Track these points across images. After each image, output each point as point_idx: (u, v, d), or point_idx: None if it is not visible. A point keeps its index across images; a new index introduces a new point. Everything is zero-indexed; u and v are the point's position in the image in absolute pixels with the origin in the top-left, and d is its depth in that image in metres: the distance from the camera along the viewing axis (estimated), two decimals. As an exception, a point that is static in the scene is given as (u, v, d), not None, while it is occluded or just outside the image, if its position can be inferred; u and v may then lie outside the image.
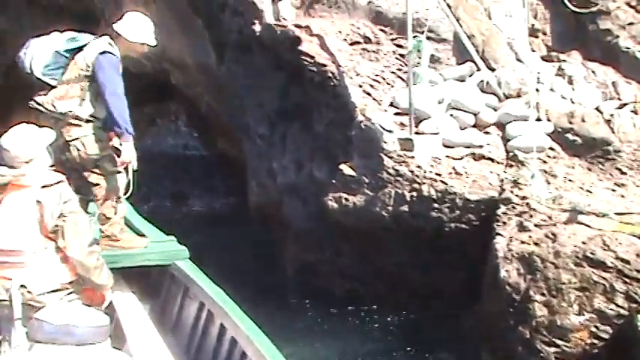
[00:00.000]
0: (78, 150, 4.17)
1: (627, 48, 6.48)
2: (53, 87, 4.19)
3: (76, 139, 4.16)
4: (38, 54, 4.19)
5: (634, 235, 3.85)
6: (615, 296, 3.68)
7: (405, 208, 5.01)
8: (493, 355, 4.10)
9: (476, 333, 4.47)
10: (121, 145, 4.18)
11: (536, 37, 7.03)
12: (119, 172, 4.23)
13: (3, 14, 12.92)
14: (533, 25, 6.93)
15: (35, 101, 4.19)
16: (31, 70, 4.18)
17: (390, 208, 5.06)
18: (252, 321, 3.40)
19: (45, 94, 4.21)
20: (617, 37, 6.58)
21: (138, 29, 4.29)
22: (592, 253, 3.81)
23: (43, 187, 3.04)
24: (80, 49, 4.20)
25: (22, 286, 2.95)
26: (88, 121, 4.19)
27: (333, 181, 5.36)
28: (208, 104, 9.77)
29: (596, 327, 3.69)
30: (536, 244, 4.04)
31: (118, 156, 4.19)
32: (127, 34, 4.23)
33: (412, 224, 5.01)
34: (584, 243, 3.89)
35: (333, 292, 5.73)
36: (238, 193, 8.68)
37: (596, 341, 3.69)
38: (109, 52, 4.16)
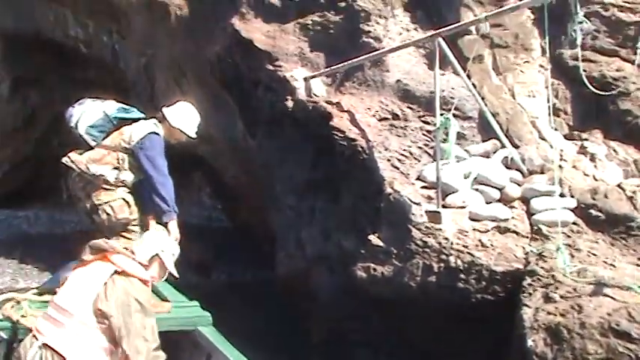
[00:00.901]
0: (108, 214, 4.38)
1: (647, 127, 6.88)
2: (90, 148, 4.45)
3: (106, 202, 4.38)
4: (88, 112, 4.50)
5: (657, 307, 4.11)
6: (641, 367, 3.91)
7: (433, 278, 5.30)
8: None
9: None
10: (166, 224, 4.38)
11: (558, 116, 7.49)
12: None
13: (35, 88, 13.85)
14: (554, 104, 7.38)
15: (70, 158, 4.47)
16: (76, 125, 4.48)
17: (417, 278, 5.35)
18: None
19: (80, 154, 4.47)
20: (638, 117, 6.99)
21: (184, 118, 4.64)
22: (617, 324, 4.04)
23: (121, 272, 3.32)
24: (129, 121, 4.54)
25: (45, 345, 3.18)
26: (117, 186, 4.43)
27: (362, 251, 5.69)
28: (234, 177, 10.27)
29: (622, 397, 3.91)
30: (562, 315, 4.29)
31: None
32: (172, 119, 4.59)
33: (439, 295, 5.27)
34: (609, 314, 4.14)
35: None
36: (262, 266, 9.01)
37: (622, 412, 3.89)
38: (157, 134, 4.49)
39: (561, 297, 4.46)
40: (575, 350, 4.07)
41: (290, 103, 6.65)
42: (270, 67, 6.79)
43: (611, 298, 4.32)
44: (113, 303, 3.23)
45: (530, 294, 4.64)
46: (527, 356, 4.28)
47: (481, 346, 5.10)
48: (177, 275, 3.77)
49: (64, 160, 4.49)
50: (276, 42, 6.78)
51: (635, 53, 7.64)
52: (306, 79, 6.61)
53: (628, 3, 7.78)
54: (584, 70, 7.38)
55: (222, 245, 10.95)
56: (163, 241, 3.69)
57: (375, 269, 5.56)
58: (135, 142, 4.44)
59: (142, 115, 4.60)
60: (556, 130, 6.93)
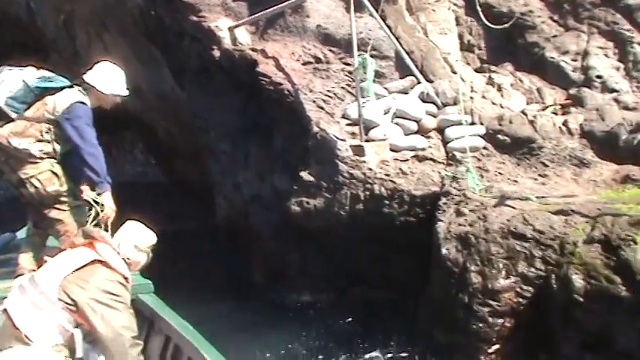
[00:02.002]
0: (36, 187, 4.25)
1: (552, 58, 7.69)
2: (11, 120, 4.26)
3: (32, 176, 4.25)
4: (7, 82, 4.25)
5: (547, 212, 4.94)
6: (534, 261, 4.73)
7: (360, 206, 6.01)
8: (441, 326, 5.09)
9: (427, 312, 5.45)
10: (99, 195, 4.26)
11: (472, 51, 8.24)
12: (81, 205, 4.32)
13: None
14: (468, 40, 8.13)
15: None
16: None
17: (347, 207, 6.06)
18: (219, 353, 3.59)
19: (0, 127, 4.27)
20: (544, 48, 7.80)
21: (110, 81, 4.43)
22: (515, 228, 4.87)
23: (103, 262, 3.28)
24: (52, 90, 4.31)
25: (4, 310, 3.23)
26: (42, 158, 4.27)
27: (295, 188, 6.34)
28: (166, 130, 10.64)
29: (521, 287, 4.72)
30: (470, 225, 5.09)
31: (89, 207, 4.26)
32: (101, 87, 4.37)
33: (367, 220, 6.00)
34: (508, 220, 4.95)
35: (299, 291, 6.69)
36: (200, 216, 9.54)
37: (521, 299, 4.70)
38: (84, 103, 4.29)
39: (470, 210, 5.26)
40: (482, 253, 4.88)
41: (217, 53, 7.11)
42: (195, 19, 7.20)
43: (511, 207, 5.14)
44: (90, 289, 3.18)
45: (444, 211, 5.42)
46: (442, 263, 5.08)
47: (407, 263, 5.87)
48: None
49: None
50: (199, -7, 7.17)
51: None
52: (230, 29, 7.07)
53: (531, -62, 8.48)
54: (494, 7, 8.22)
55: (159, 199, 11.36)
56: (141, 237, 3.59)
57: (307, 202, 6.23)
58: (59, 112, 4.27)
59: (66, 83, 4.40)
60: (468, 64, 7.72)
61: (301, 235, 6.48)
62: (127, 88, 4.58)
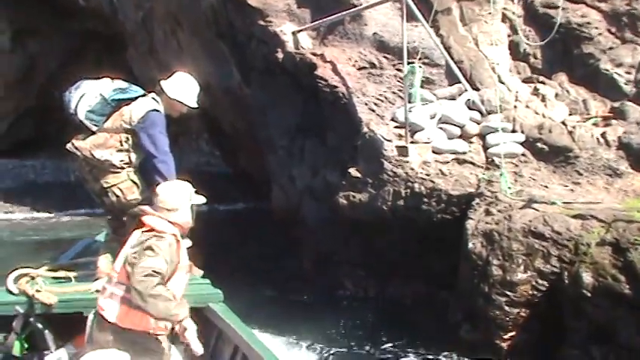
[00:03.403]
0: (117, 196, 4.54)
1: (606, 70, 8.27)
2: (92, 132, 4.56)
3: (113, 185, 4.54)
4: (86, 97, 4.54)
5: (566, 215, 5.64)
6: (551, 259, 5.44)
7: (401, 202, 6.84)
8: (464, 312, 5.89)
9: (455, 303, 6.24)
10: None
11: (528, 60, 8.87)
12: None
13: (35, 39, 15.16)
14: (525, 49, 8.78)
15: (73, 144, 4.59)
16: (75, 111, 4.54)
17: (389, 203, 6.90)
18: None
19: (83, 139, 4.58)
20: (599, 60, 8.38)
21: (183, 89, 4.71)
22: (535, 228, 5.59)
23: (145, 231, 3.55)
24: (128, 101, 4.59)
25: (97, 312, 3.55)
26: (123, 167, 4.56)
27: (343, 182, 7.23)
28: (232, 124, 11.72)
29: (536, 281, 5.45)
30: (496, 223, 5.83)
31: None
32: (171, 92, 4.66)
33: (407, 215, 6.82)
34: (530, 221, 5.68)
35: (343, 279, 7.58)
36: (259, 201, 10.49)
37: (536, 292, 5.43)
38: (158, 111, 4.59)
39: (498, 211, 6.01)
40: (504, 249, 5.64)
41: (280, 55, 8.08)
42: (262, 23, 8.19)
43: (535, 209, 5.86)
44: (135, 257, 3.45)
45: (475, 210, 6.19)
46: (469, 256, 5.86)
47: (441, 256, 6.65)
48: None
49: (68, 146, 4.64)
50: (267, 0, 8.16)
51: (600, 0, 9.02)
52: (294, 33, 8.02)
53: (593, -47, 9.06)
54: (552, 17, 8.83)
55: (221, 187, 12.50)
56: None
57: (354, 196, 7.10)
58: (135, 121, 4.55)
59: (140, 92, 4.69)
60: (519, 73, 8.39)
61: (347, 226, 7.36)
62: (197, 102, 4.84)
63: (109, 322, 3.49)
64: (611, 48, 8.50)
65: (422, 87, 7.33)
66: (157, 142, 4.52)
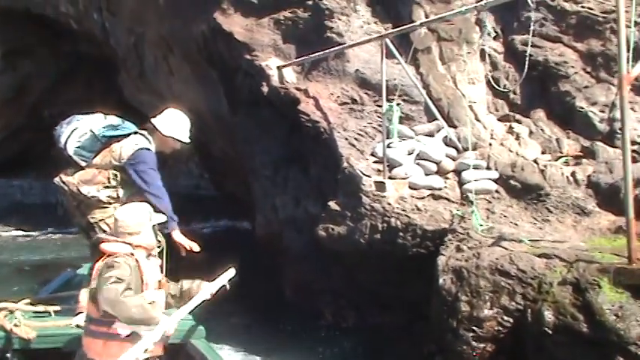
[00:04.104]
0: (104, 231, 4.56)
1: (581, 108, 8.67)
2: (81, 168, 4.69)
3: (101, 220, 4.65)
4: (76, 132, 4.69)
5: (532, 254, 6.00)
6: (515, 296, 5.78)
7: (378, 236, 7.18)
8: (434, 344, 6.22)
9: (428, 333, 6.57)
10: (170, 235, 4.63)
11: (508, 96, 9.27)
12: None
13: (27, 60, 15.50)
14: (504, 85, 9.18)
15: (60, 179, 4.71)
16: (65, 146, 4.69)
17: (366, 236, 7.23)
18: None
19: (71, 174, 4.69)
20: (574, 98, 8.78)
21: (174, 125, 4.85)
22: (501, 266, 5.94)
23: (109, 255, 3.73)
24: (118, 137, 4.75)
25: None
26: (109, 202, 4.67)
27: (323, 215, 7.57)
28: (221, 149, 12.07)
29: (502, 318, 5.76)
30: (465, 260, 6.17)
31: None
32: (164, 129, 4.80)
33: (383, 248, 7.16)
34: (497, 259, 6.01)
35: (323, 308, 7.91)
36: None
37: (501, 328, 5.74)
38: (148, 149, 4.73)
39: (468, 248, 6.36)
40: (472, 286, 5.97)
41: (265, 89, 8.46)
42: (248, 57, 8.57)
43: (503, 247, 6.21)
44: (97, 287, 3.63)
45: (447, 246, 6.53)
46: (439, 292, 6.20)
47: (417, 287, 6.97)
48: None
49: (56, 180, 4.73)
50: (253, 35, 8.55)
51: (576, 40, 9.45)
52: (279, 68, 8.40)
53: (571, -6, 9.51)
54: (531, 55, 9.25)
55: (209, 211, 12.83)
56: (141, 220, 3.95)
57: (333, 229, 7.44)
58: (125, 159, 4.67)
59: (132, 129, 4.80)
60: (497, 110, 8.78)
61: (328, 257, 7.69)
62: (190, 137, 5.00)
63: None
64: (586, 87, 8.89)
65: (401, 123, 7.72)
66: (147, 178, 4.64)
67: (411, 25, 7.39)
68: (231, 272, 4.86)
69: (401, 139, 7.61)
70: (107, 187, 4.69)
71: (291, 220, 8.19)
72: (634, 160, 7.90)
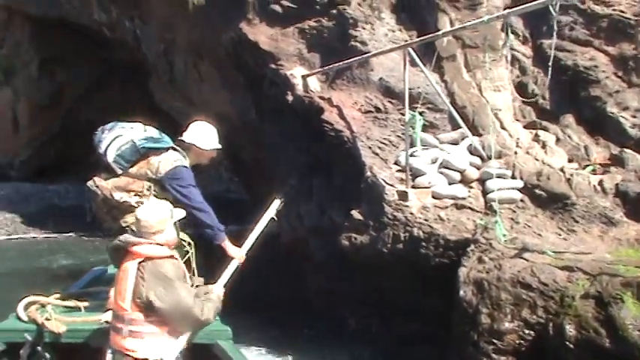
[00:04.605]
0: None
1: (612, 113, 8.54)
2: (116, 175, 4.76)
3: (133, 223, 4.46)
4: (117, 140, 4.76)
5: (554, 266, 5.94)
6: (537, 309, 5.73)
7: (401, 246, 7.18)
8: (455, 356, 6.21)
9: (449, 344, 6.56)
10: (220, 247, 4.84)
11: (537, 101, 9.16)
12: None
13: (62, 67, 15.91)
14: (533, 90, 9.08)
15: (94, 182, 4.78)
16: (105, 152, 4.75)
17: (389, 245, 7.23)
18: None
19: (105, 179, 4.77)
20: (605, 103, 8.65)
21: (208, 137, 5.04)
22: (522, 278, 5.89)
23: (148, 258, 3.82)
24: (157, 150, 4.84)
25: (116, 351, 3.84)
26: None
27: (346, 224, 7.60)
28: (250, 154, 12.19)
29: (523, 331, 5.72)
30: (487, 272, 6.14)
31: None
32: (201, 144, 4.97)
33: (406, 258, 7.16)
34: (519, 271, 5.97)
35: (348, 316, 7.94)
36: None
37: (522, 341, 5.71)
38: (185, 167, 4.85)
39: (490, 259, 6.32)
40: (492, 298, 5.95)
41: (290, 97, 8.52)
42: (274, 66, 8.65)
43: (524, 259, 6.16)
44: (149, 290, 3.73)
45: (469, 257, 6.51)
46: (460, 303, 6.18)
47: (438, 298, 6.97)
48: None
49: (89, 184, 4.81)
50: (278, 44, 8.63)
51: (607, 44, 9.30)
52: (303, 77, 8.46)
53: (602, -4, 9.37)
54: (560, 60, 9.14)
55: (238, 214, 12.90)
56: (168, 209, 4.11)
57: (355, 238, 7.47)
58: (162, 174, 4.76)
59: (170, 144, 4.93)
60: (524, 117, 8.69)
61: (351, 266, 7.72)
62: (220, 142, 5.19)
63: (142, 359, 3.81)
64: (617, 91, 8.76)
65: (426, 131, 7.70)
66: (190, 194, 4.75)
67: (433, 35, 7.35)
68: (276, 203, 5.54)
69: (424, 148, 7.59)
70: (141, 196, 4.77)
71: (316, 229, 8.24)
72: (665, 168, 7.85)
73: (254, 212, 13.79)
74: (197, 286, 4.62)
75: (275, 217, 5.45)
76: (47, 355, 4.51)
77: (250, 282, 9.58)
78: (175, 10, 12.01)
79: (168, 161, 4.80)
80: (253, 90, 9.84)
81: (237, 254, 5.09)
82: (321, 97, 8.25)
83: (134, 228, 4.07)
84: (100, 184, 4.75)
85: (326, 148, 8.28)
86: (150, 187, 4.79)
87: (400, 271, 7.27)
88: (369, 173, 7.56)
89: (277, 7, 8.84)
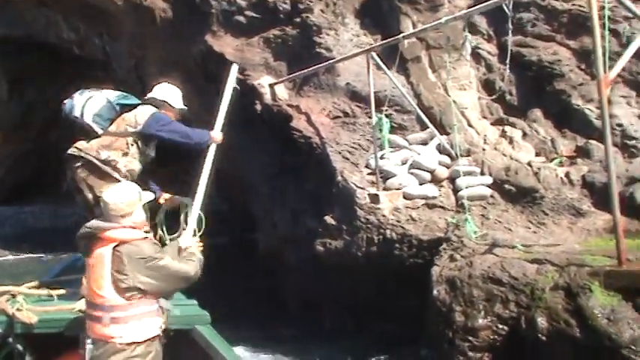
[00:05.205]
0: None
1: (577, 105, 8.68)
2: (95, 137, 4.72)
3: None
4: (92, 101, 4.74)
5: (524, 260, 6.02)
6: (509, 304, 5.80)
7: (374, 248, 7.24)
8: (432, 354, 6.28)
9: (424, 342, 6.62)
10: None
11: (504, 98, 9.27)
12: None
13: (31, 86, 15.77)
14: (499, 87, 9.20)
15: (77, 147, 4.69)
16: (82, 114, 4.69)
17: (363, 249, 7.30)
18: None
19: (87, 142, 4.69)
20: (570, 96, 8.79)
21: (177, 96, 5.15)
22: (493, 274, 5.97)
23: (123, 242, 3.73)
24: (129, 108, 4.87)
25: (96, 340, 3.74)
26: (125, 176, 4.71)
27: (320, 229, 7.65)
28: (226, 165, 12.19)
29: (497, 326, 5.80)
30: (458, 269, 6.21)
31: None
32: (173, 101, 5.06)
33: (380, 261, 7.23)
34: (489, 267, 6.04)
35: (324, 320, 7.99)
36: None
37: (497, 337, 5.78)
38: (159, 112, 4.90)
39: (462, 256, 6.39)
40: (465, 295, 6.01)
41: (259, 107, 8.57)
42: (240, 76, 8.64)
43: (495, 255, 6.24)
44: (134, 273, 3.68)
45: (441, 255, 6.58)
46: (434, 302, 6.25)
47: (413, 297, 7.03)
48: None
49: (71, 150, 4.73)
50: (244, 54, 8.68)
51: (569, 38, 9.45)
52: (271, 86, 8.51)
53: (562, -7, 9.52)
54: (524, 56, 9.28)
55: (217, 224, 12.89)
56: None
57: (330, 243, 7.52)
58: (142, 124, 4.77)
59: (139, 101, 4.99)
60: (491, 114, 8.81)
61: (326, 270, 7.77)
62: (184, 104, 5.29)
63: (127, 344, 3.73)
64: (581, 84, 8.89)
65: (395, 133, 7.79)
66: (176, 129, 4.88)
67: (394, 38, 7.44)
68: (234, 69, 5.51)
69: (394, 150, 7.66)
70: (125, 154, 4.75)
71: (291, 236, 8.28)
72: (631, 156, 8.00)
73: (233, 223, 13.93)
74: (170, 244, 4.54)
75: (237, 86, 5.52)
76: (19, 347, 4.36)
77: (229, 286, 9.67)
78: (144, 26, 11.99)
79: (144, 112, 4.84)
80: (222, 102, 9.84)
81: (217, 137, 5.25)
82: (290, 105, 8.30)
83: (104, 212, 3.94)
84: (83, 147, 4.70)
85: (297, 155, 8.33)
86: (134, 141, 4.79)
87: (375, 273, 7.32)
88: (340, 178, 7.63)
89: (241, 18, 8.89)
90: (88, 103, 4.72)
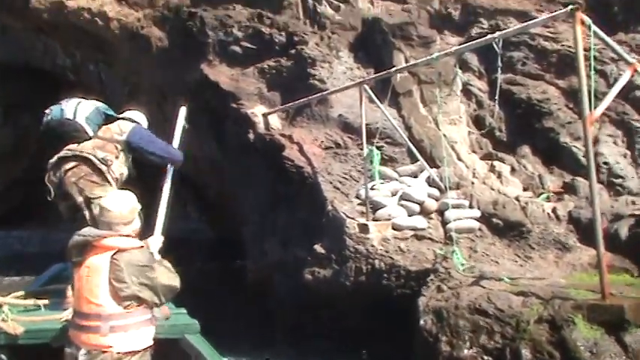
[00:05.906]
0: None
1: (565, 143, 8.89)
2: (87, 139, 4.84)
3: (100, 197, 4.43)
4: (82, 105, 4.93)
5: (510, 292, 6.14)
6: (494, 335, 5.89)
7: (363, 278, 7.33)
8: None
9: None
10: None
11: (493, 134, 9.48)
12: None
13: (26, 113, 15.83)
14: (489, 123, 9.41)
15: (70, 149, 4.79)
16: (74, 115, 4.83)
17: (351, 278, 7.39)
18: None
19: (79, 144, 4.80)
20: (559, 134, 9.00)
21: (143, 120, 5.40)
22: (479, 305, 6.07)
23: (120, 250, 3.70)
24: (112, 119, 5.06)
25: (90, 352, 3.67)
26: (116, 180, 4.86)
27: (309, 258, 7.74)
28: (216, 193, 12.32)
29: (482, 357, 5.87)
30: (445, 300, 6.31)
31: None
32: (141, 122, 5.26)
33: (368, 290, 7.31)
34: (475, 298, 6.15)
35: (313, 350, 8.01)
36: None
37: (481, 367, 5.93)
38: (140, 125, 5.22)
39: (449, 288, 6.50)
40: (451, 326, 6.10)
41: (252, 135, 8.72)
42: (235, 105, 8.86)
43: (482, 286, 6.35)
44: (132, 281, 3.66)
45: (428, 287, 6.68)
46: (420, 332, 6.33)
47: (401, 326, 7.10)
48: None
49: (62, 152, 4.80)
50: (239, 84, 8.86)
51: (558, 78, 9.71)
52: (264, 115, 8.68)
53: (551, 33, 9.81)
54: (514, 93, 9.52)
55: (205, 252, 12.96)
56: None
57: (319, 272, 7.61)
58: (127, 132, 4.94)
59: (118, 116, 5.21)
60: (481, 148, 9.00)
61: (315, 299, 7.83)
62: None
63: (124, 353, 3.71)
64: (569, 122, 9.13)
65: (385, 165, 7.95)
66: (156, 142, 5.08)
67: (386, 72, 7.65)
68: (182, 111, 5.85)
69: (384, 181, 7.80)
70: (117, 157, 4.91)
71: (280, 264, 8.35)
72: (617, 194, 8.19)
73: (220, 250, 13.97)
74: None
75: (186, 125, 5.86)
76: (3, 358, 4.30)
77: (218, 311, 9.68)
78: (139, 53, 12.18)
79: (127, 124, 5.04)
80: (217, 129, 10.01)
81: (178, 158, 5.35)
82: (282, 135, 8.45)
83: (101, 219, 3.88)
84: (77, 147, 4.78)
85: (288, 184, 8.46)
86: (121, 148, 4.95)
87: (363, 302, 7.39)
88: (330, 207, 7.74)
89: (237, 48, 9.10)
90: (79, 107, 4.88)
